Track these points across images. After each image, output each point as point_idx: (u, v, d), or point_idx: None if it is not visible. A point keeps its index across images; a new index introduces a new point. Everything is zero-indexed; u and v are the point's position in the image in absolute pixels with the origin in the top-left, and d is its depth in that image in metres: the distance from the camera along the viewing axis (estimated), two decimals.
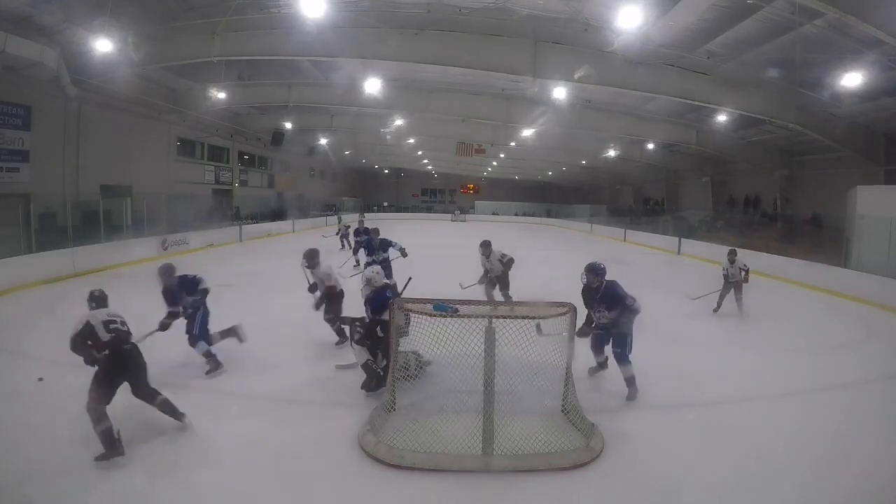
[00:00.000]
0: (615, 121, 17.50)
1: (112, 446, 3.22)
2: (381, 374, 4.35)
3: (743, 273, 7.97)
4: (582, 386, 4.00)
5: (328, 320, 5.93)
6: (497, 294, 7.51)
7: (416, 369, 4.30)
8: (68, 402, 4.21)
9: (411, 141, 26.75)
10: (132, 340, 3.72)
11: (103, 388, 3.38)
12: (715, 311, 8.15)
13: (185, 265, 11.82)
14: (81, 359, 3.55)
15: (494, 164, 32.92)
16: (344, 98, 16.19)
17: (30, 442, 3.53)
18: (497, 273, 7.44)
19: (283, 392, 4.53)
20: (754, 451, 3.64)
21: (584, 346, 4.73)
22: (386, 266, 8.46)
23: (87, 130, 14.17)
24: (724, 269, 8.23)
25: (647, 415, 4.28)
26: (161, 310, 5.45)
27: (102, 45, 9.80)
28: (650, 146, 20.16)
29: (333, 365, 5.18)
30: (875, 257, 10.14)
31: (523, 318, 3.62)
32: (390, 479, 3.20)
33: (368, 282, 4.82)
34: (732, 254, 8.23)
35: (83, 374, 4.80)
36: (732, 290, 8.11)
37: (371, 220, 36.20)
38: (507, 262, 7.38)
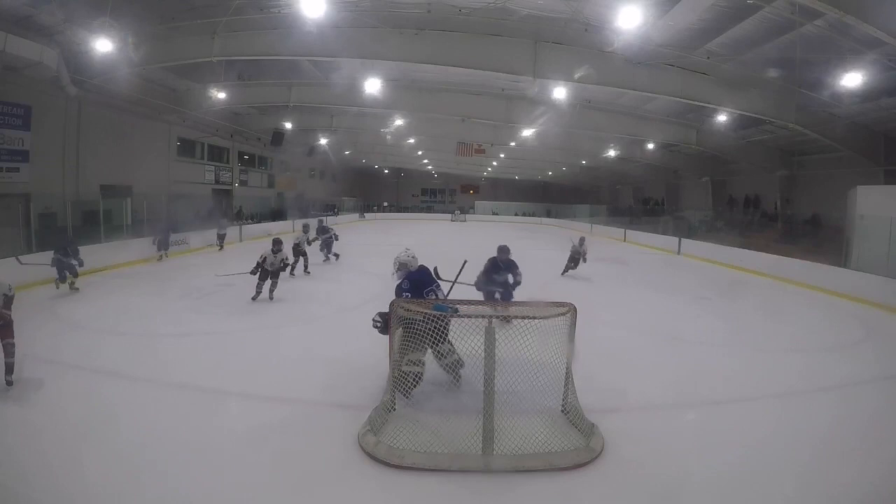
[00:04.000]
0: (615, 121, 17.52)
1: None
2: (407, 377, 4.04)
3: (584, 254, 11.51)
4: (582, 385, 4.00)
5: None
6: None
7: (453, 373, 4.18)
8: (68, 401, 4.22)
9: (411, 141, 26.76)
10: None
11: None
12: (562, 274, 11.47)
13: (186, 265, 11.91)
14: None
15: (494, 164, 32.93)
16: (344, 98, 16.20)
17: (30, 442, 3.52)
18: None
19: (283, 392, 4.53)
20: (754, 451, 3.63)
21: (585, 345, 4.73)
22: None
23: (87, 130, 14.19)
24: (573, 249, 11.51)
25: (647, 415, 4.27)
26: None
27: (102, 45, 9.80)
28: (650, 146, 20.17)
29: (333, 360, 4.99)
30: (875, 257, 10.14)
31: (523, 318, 3.62)
32: (390, 478, 3.20)
33: (402, 266, 4.59)
34: (582, 240, 11.76)
35: (83, 375, 4.82)
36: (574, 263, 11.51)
37: (371, 220, 36.23)
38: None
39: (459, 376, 4.33)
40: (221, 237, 15.95)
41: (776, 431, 3.99)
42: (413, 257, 4.64)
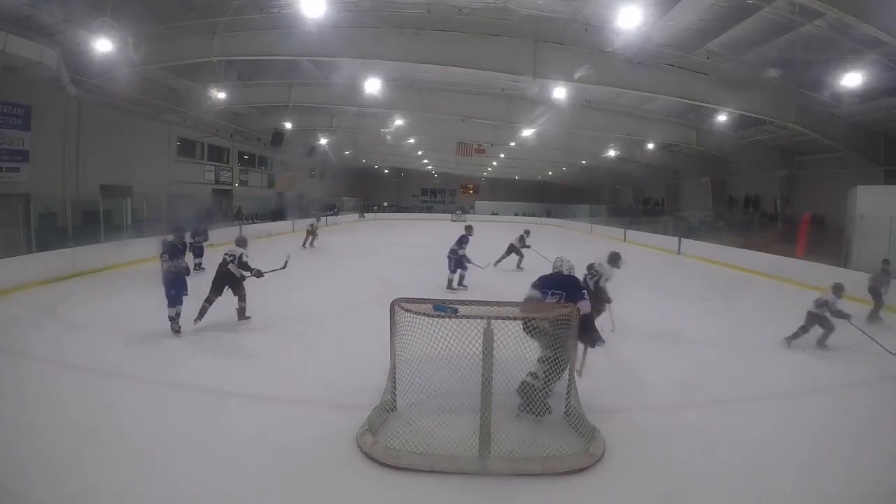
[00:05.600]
0: (615, 121, 17.51)
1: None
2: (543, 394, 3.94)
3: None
4: (582, 386, 4.00)
5: None
6: None
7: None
8: (68, 401, 4.22)
9: (411, 141, 26.76)
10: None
11: None
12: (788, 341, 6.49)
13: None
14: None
15: (494, 164, 32.93)
16: (344, 98, 16.19)
17: (30, 442, 3.53)
18: None
19: (283, 392, 4.53)
20: (754, 451, 3.63)
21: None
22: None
23: (87, 130, 14.19)
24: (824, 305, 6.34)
25: (648, 415, 4.27)
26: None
27: (102, 45, 9.80)
28: (650, 146, 20.17)
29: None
30: (875, 257, 10.12)
31: (523, 318, 3.62)
32: (386, 479, 3.20)
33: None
34: (838, 290, 6.32)
35: (83, 375, 4.82)
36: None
37: (371, 220, 36.29)
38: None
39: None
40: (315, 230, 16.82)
41: (776, 431, 3.99)
42: (560, 262, 4.78)
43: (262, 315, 7.50)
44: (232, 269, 6.55)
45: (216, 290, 6.57)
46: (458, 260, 9.32)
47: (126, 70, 12.13)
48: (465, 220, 38.06)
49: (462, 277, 9.52)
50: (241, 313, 6.80)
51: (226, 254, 6.67)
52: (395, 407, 3.97)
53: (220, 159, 22.96)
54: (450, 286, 9.37)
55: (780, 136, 16.37)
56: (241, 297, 6.79)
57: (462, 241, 9.41)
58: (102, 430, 3.72)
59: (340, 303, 8.41)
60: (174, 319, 6.18)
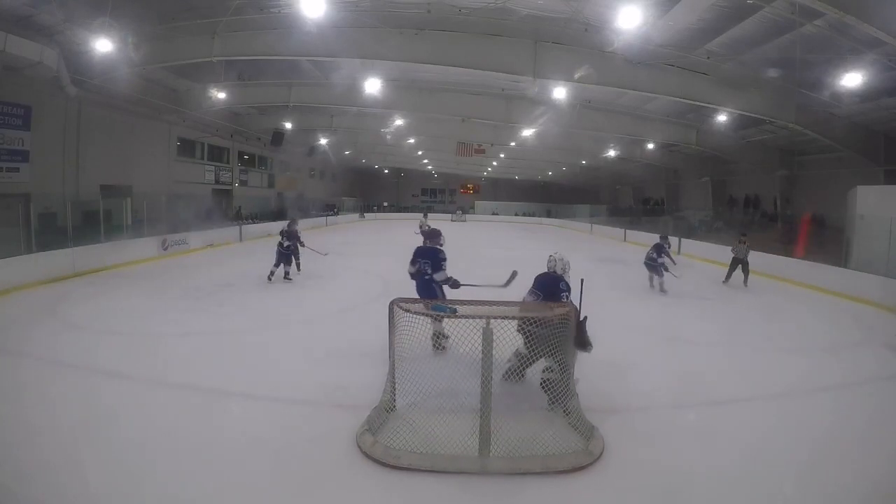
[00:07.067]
0: (615, 121, 17.51)
1: None
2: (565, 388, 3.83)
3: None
4: (582, 386, 3.99)
5: None
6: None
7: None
8: (68, 401, 4.22)
9: (411, 141, 26.76)
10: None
11: None
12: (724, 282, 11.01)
13: (186, 265, 11.90)
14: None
15: (494, 164, 32.94)
16: (344, 98, 16.20)
17: (30, 442, 3.52)
18: None
19: (282, 392, 4.53)
20: (754, 452, 3.63)
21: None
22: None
23: (87, 130, 14.20)
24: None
25: (647, 416, 4.26)
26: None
27: (102, 45, 9.81)
28: (650, 146, 20.17)
29: (337, 366, 5.04)
30: (875, 257, 10.14)
31: (523, 318, 3.62)
32: (386, 479, 3.19)
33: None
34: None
35: (83, 375, 4.82)
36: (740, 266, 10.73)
37: (371, 220, 36.28)
38: None
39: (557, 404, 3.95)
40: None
41: (776, 432, 3.99)
42: (553, 261, 4.74)
43: (261, 314, 7.52)
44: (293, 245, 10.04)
45: (281, 260, 9.90)
46: (659, 267, 10.03)
47: (126, 70, 12.14)
48: (464, 221, 38.30)
49: (662, 283, 10.08)
50: (298, 268, 10.29)
51: (282, 234, 10.09)
52: (394, 407, 3.97)
53: (220, 159, 22.96)
54: (661, 288, 10.02)
55: (780, 136, 16.37)
56: (297, 264, 10.28)
57: (661, 249, 10.14)
58: (102, 431, 3.71)
59: (340, 302, 8.41)
60: (442, 338, 5.13)
